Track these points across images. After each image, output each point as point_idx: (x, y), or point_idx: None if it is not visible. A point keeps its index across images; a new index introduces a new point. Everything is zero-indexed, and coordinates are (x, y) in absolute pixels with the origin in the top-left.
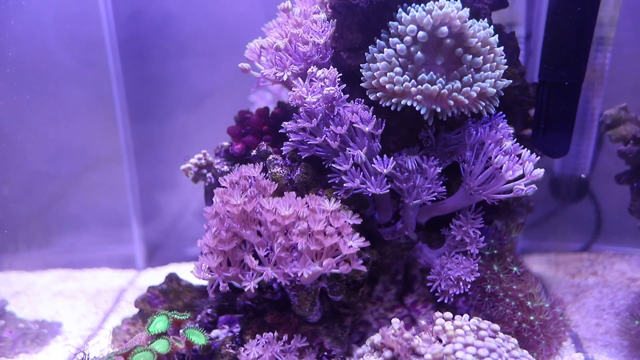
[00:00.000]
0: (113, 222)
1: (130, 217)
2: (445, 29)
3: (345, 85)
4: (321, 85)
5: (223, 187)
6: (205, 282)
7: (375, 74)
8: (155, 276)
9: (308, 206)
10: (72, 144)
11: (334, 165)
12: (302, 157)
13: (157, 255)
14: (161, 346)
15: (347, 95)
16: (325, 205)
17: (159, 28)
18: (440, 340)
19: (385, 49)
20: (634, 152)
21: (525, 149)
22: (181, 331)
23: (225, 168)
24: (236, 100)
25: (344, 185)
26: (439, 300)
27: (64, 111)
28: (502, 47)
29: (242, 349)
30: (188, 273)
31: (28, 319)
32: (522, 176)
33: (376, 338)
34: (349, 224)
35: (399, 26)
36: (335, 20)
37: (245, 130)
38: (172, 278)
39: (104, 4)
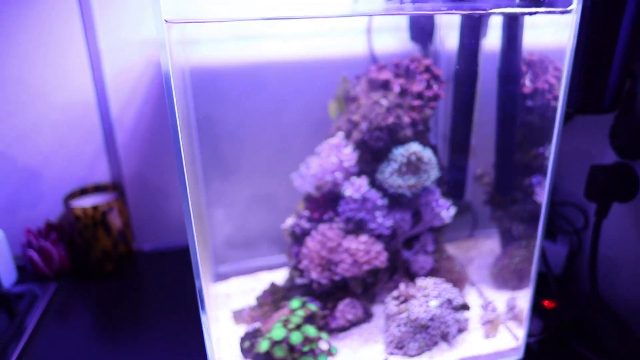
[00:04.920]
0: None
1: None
2: (414, 155)
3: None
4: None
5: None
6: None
7: (384, 176)
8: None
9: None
10: None
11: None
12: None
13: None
14: (302, 311)
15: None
16: (364, 240)
17: None
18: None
19: (388, 165)
20: (487, 189)
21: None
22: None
23: (307, 225)
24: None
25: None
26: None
27: None
28: (435, 158)
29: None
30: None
31: None
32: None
33: (394, 293)
34: (379, 249)
35: (395, 154)
36: (358, 150)
37: (316, 204)
38: (273, 284)
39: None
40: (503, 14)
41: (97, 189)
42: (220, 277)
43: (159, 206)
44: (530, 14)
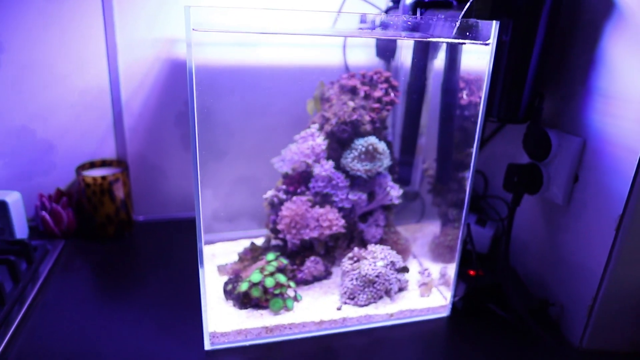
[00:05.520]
0: None
1: None
2: (371, 146)
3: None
4: (326, 168)
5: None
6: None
7: (346, 161)
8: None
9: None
10: None
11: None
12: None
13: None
14: (276, 262)
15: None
16: (328, 210)
17: None
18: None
19: (350, 152)
20: (430, 179)
21: (396, 184)
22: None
23: (283, 197)
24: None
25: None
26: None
27: None
28: (388, 150)
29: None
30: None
31: None
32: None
33: (349, 254)
34: (339, 217)
35: (356, 144)
36: (328, 139)
37: (292, 180)
38: (253, 243)
39: None
40: (442, 42)
41: (104, 163)
42: (207, 242)
43: (156, 182)
44: (461, 44)
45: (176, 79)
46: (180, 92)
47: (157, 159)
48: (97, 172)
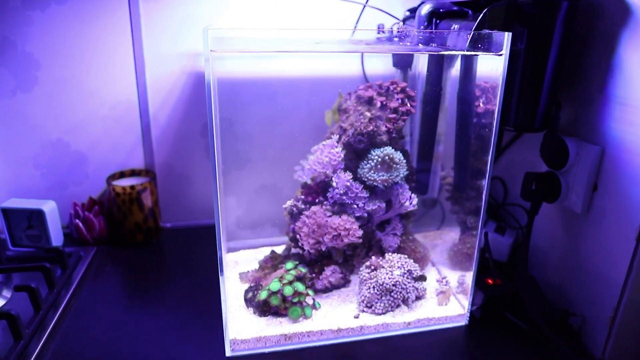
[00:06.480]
0: None
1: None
2: (387, 156)
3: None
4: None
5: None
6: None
7: (363, 171)
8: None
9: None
10: None
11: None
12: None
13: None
14: (295, 271)
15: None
16: (345, 219)
17: None
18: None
19: (367, 162)
20: (448, 187)
21: (413, 193)
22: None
23: (302, 206)
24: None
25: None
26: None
27: None
28: (405, 160)
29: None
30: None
31: None
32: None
33: (367, 263)
34: (356, 227)
35: (373, 154)
36: (345, 150)
37: (310, 190)
38: (273, 252)
39: None
40: (455, 55)
41: (133, 173)
42: (231, 249)
43: (183, 191)
44: (474, 55)
45: (201, 91)
46: (205, 103)
47: (183, 168)
48: (127, 182)
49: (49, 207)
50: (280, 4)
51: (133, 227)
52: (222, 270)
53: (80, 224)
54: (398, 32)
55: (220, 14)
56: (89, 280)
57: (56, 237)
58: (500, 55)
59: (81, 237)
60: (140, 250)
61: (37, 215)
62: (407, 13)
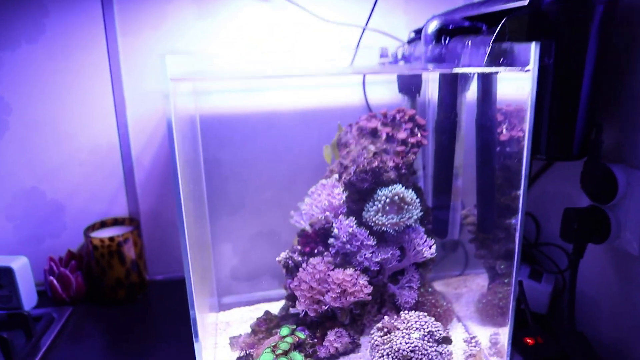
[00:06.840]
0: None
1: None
2: (396, 196)
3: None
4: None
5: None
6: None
7: (369, 214)
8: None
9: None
10: None
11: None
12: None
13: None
14: (291, 338)
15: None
16: (351, 273)
17: None
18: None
19: (373, 204)
20: (471, 228)
21: (429, 237)
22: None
23: (299, 259)
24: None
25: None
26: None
27: None
28: (418, 199)
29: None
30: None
31: None
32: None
33: (379, 324)
34: (364, 282)
35: (380, 194)
36: (347, 191)
37: (307, 239)
38: (268, 312)
39: None
40: (473, 73)
41: (116, 222)
42: (224, 307)
43: (172, 239)
44: (493, 74)
45: (187, 130)
46: (192, 142)
47: (171, 214)
48: (107, 233)
49: (19, 264)
50: (270, 34)
51: (114, 282)
52: (196, 336)
53: (55, 282)
54: (403, 55)
55: (206, 47)
56: (60, 346)
57: (28, 297)
58: (527, 71)
59: (56, 296)
60: (123, 308)
61: (6, 274)
62: (413, 34)
